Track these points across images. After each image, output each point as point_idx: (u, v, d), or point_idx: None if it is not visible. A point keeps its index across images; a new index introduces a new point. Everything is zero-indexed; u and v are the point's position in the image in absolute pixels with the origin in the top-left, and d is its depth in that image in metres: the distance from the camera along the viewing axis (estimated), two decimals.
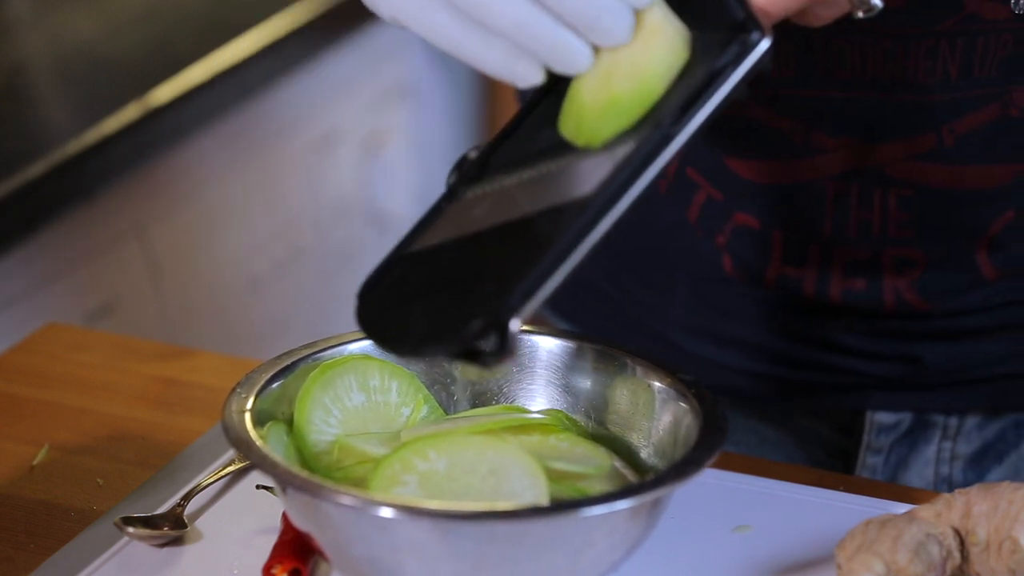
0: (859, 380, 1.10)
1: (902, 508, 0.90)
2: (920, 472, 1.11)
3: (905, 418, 1.11)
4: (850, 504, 0.97)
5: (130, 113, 1.71)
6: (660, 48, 0.80)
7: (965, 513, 0.85)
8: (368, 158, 2.26)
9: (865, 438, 1.11)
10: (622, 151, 0.79)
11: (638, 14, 0.80)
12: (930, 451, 1.11)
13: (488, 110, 2.56)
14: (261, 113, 2.01)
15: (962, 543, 0.85)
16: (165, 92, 1.76)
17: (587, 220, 0.77)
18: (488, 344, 0.77)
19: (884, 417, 1.10)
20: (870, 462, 1.11)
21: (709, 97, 0.79)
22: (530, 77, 0.80)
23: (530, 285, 0.77)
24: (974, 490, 0.86)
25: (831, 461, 1.14)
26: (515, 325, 0.76)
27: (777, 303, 1.09)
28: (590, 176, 0.79)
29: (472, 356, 0.77)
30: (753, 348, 1.11)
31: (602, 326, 1.17)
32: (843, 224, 1.04)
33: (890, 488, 1.03)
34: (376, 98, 2.29)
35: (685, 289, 1.12)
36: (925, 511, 0.86)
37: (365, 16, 2.14)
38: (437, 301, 0.81)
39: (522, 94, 1.16)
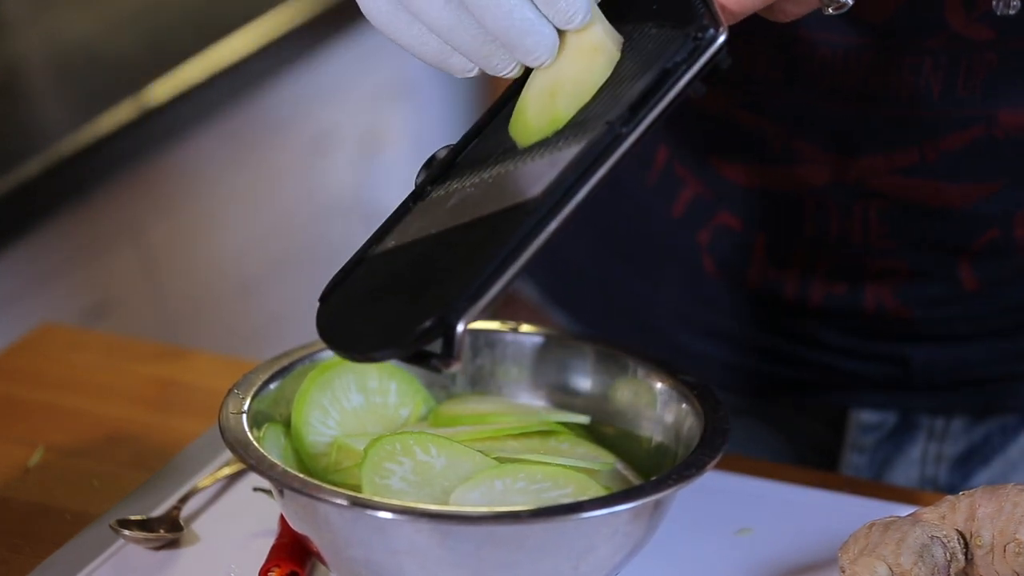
0: (845, 378, 1.10)
1: (906, 510, 0.89)
2: (905, 472, 1.11)
3: (890, 418, 1.11)
4: (853, 506, 0.97)
5: (126, 111, 1.71)
6: (602, 67, 0.81)
7: (969, 515, 0.84)
8: (365, 157, 2.25)
9: (849, 437, 1.11)
10: (573, 151, 0.79)
11: (577, 30, 0.81)
12: (915, 452, 1.11)
13: (484, 109, 2.55)
14: (258, 111, 2.01)
15: (966, 545, 0.84)
16: (161, 90, 1.76)
17: (533, 223, 0.78)
18: (436, 347, 0.77)
19: (868, 416, 1.10)
20: (855, 461, 1.11)
21: (661, 98, 0.78)
22: (464, 71, 0.82)
23: (477, 288, 0.77)
24: (979, 492, 0.85)
25: (817, 459, 1.14)
26: (461, 328, 0.76)
27: (761, 301, 1.09)
28: (541, 177, 0.79)
29: (421, 359, 0.77)
30: (739, 342, 1.12)
31: (592, 312, 1.17)
32: (824, 232, 1.04)
33: (894, 490, 1.03)
34: (373, 97, 2.29)
35: (671, 280, 1.13)
36: (929, 513, 0.85)
37: (362, 14, 2.14)
38: (390, 304, 0.81)
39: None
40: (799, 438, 1.14)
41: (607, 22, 0.82)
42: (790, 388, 1.12)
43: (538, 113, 0.82)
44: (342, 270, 0.84)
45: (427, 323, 0.76)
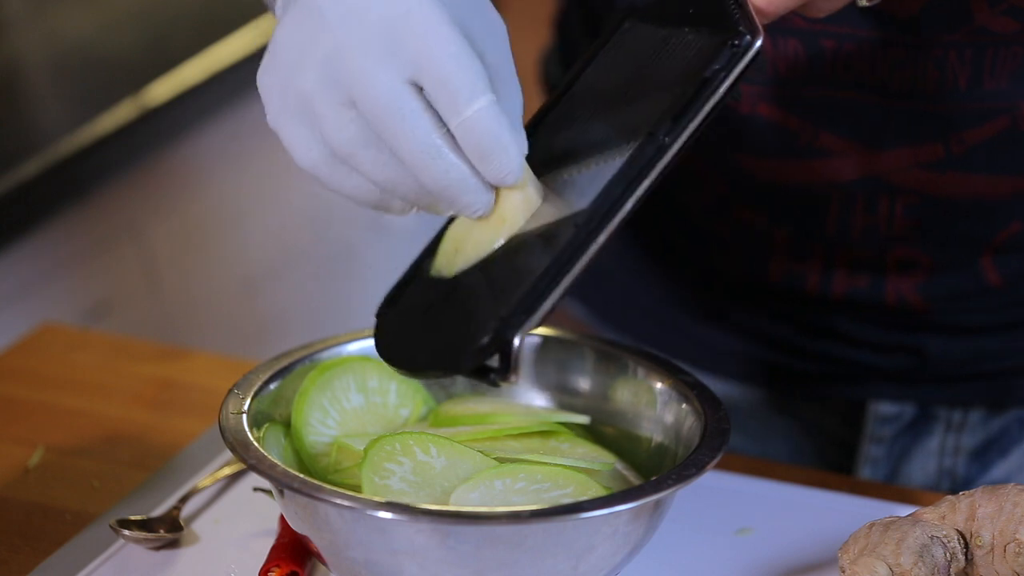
0: (864, 371, 1.10)
1: (906, 510, 0.89)
2: (922, 464, 1.11)
3: (907, 409, 1.11)
4: (853, 506, 0.97)
5: (125, 111, 1.70)
6: (501, 236, 0.82)
7: (969, 515, 0.84)
8: None
9: (867, 428, 1.11)
10: (617, 162, 0.80)
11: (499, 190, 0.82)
12: (933, 444, 1.11)
13: None
14: (258, 111, 2.00)
15: (966, 545, 0.84)
16: (161, 90, 1.76)
17: (583, 237, 0.79)
18: (493, 362, 0.78)
19: (886, 408, 1.11)
20: (873, 453, 1.11)
21: (702, 106, 0.80)
22: (405, 212, 0.84)
23: (531, 303, 0.78)
24: (979, 492, 0.85)
25: (835, 451, 1.14)
26: (517, 342, 0.78)
27: (781, 295, 1.09)
28: (587, 190, 0.80)
29: (480, 374, 0.79)
30: (758, 336, 1.12)
31: (609, 305, 1.18)
32: (848, 226, 1.04)
33: (894, 490, 1.03)
34: None
35: (691, 275, 1.13)
36: (929, 513, 0.85)
37: None
38: (446, 321, 0.83)
39: (548, 87, 1.18)
40: (818, 431, 1.14)
41: (534, 181, 0.82)
42: (808, 381, 1.12)
43: (441, 260, 0.85)
44: (396, 286, 0.87)
45: (484, 340, 0.78)
